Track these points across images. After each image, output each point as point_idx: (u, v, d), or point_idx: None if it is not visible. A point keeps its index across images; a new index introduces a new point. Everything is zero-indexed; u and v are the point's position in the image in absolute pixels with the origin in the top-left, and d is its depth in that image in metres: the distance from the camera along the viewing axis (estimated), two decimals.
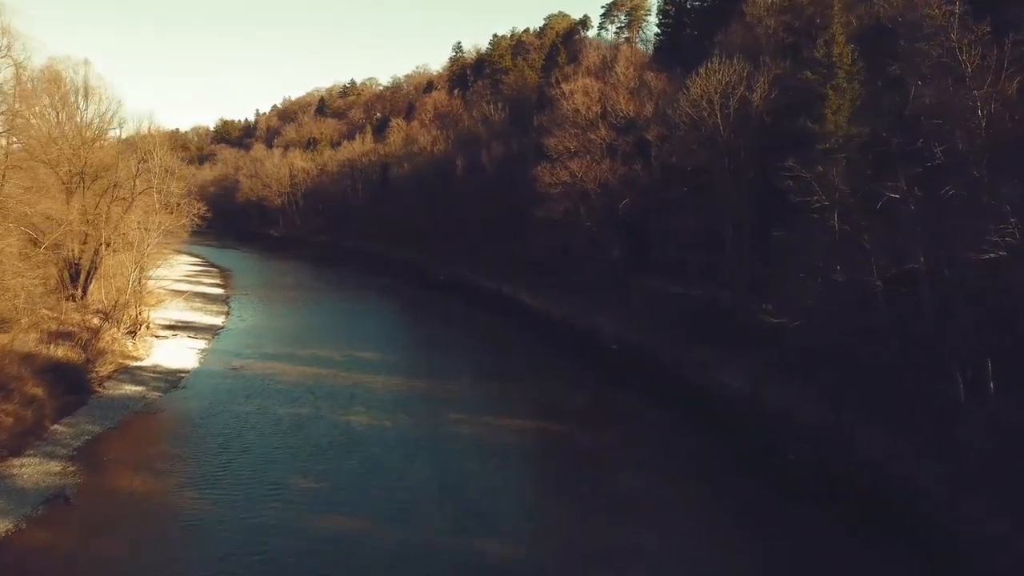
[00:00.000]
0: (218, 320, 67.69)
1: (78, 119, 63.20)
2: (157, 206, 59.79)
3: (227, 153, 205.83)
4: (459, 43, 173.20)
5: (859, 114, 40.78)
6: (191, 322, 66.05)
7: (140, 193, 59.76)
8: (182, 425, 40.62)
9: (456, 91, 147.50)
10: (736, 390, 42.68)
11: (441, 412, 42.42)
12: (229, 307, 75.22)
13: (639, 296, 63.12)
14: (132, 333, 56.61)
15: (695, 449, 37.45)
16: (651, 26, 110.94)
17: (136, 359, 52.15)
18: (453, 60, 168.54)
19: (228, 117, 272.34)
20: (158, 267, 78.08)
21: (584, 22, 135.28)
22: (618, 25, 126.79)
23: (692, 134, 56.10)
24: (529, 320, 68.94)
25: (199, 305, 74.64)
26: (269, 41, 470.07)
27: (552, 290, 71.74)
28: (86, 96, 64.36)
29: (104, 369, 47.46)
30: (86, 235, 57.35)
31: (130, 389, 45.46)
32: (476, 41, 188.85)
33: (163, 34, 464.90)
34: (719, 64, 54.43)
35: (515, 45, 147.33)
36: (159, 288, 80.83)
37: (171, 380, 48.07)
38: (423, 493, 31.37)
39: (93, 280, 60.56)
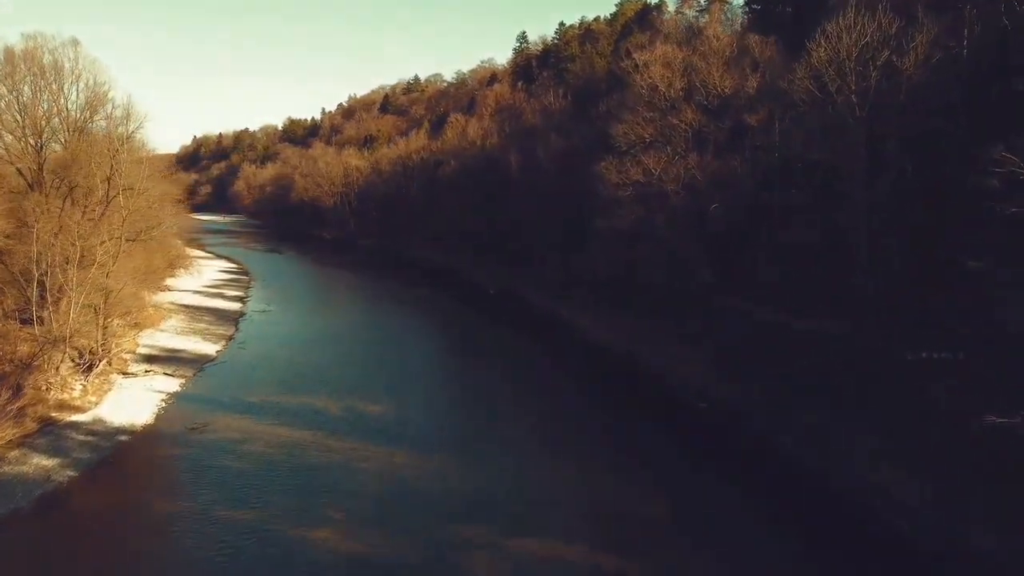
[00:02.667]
0: (213, 348, 54.67)
1: (44, 106, 50.89)
2: (120, 227, 46.61)
3: (289, 152, 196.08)
4: (523, 33, 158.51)
5: None
6: (179, 351, 53.23)
7: (109, 202, 46.76)
8: (68, 542, 27.08)
9: (520, 84, 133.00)
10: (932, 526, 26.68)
11: (452, 530, 27.78)
12: (237, 328, 62.37)
13: (731, 327, 47.20)
14: (89, 369, 43.93)
15: None
16: (735, 9, 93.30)
17: (76, 409, 39.36)
18: (517, 52, 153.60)
19: (296, 116, 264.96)
20: (160, 288, 66.85)
21: (660, 6, 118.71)
22: (698, 8, 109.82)
23: (814, 115, 40.18)
24: (589, 354, 53.78)
25: (203, 326, 62.03)
26: (338, 37, 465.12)
27: (618, 314, 56.39)
28: (58, 78, 52.20)
29: (14, 429, 34.54)
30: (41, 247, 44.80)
31: (35, 464, 32.46)
32: (544, 31, 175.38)
33: (237, 35, 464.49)
34: (855, 17, 38.35)
35: (583, 33, 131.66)
36: (167, 303, 69.36)
37: (102, 447, 34.94)
38: None
39: (64, 302, 48.03)
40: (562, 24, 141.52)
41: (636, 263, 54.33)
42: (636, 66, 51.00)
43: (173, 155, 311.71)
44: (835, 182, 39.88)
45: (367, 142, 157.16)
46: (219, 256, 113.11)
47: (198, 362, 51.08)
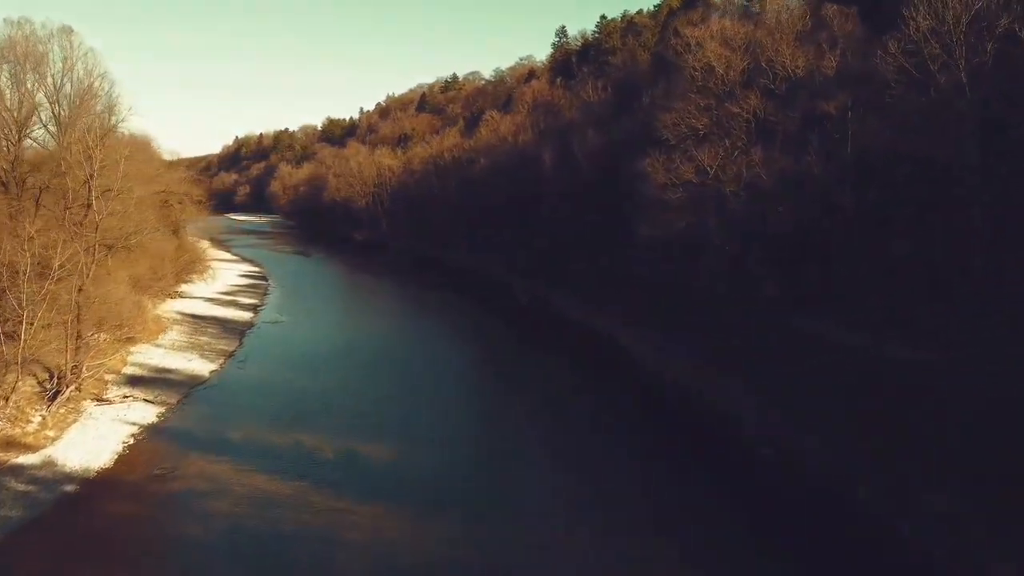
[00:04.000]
0: (209, 367, 48.44)
1: (20, 98, 45.18)
2: (95, 234, 40.43)
3: (325, 152, 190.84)
4: (562, 27, 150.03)
5: None
6: (170, 371, 47.14)
7: (79, 205, 40.67)
8: None
9: (558, 80, 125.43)
10: None
11: None
12: (241, 343, 56.18)
13: (801, 352, 39.26)
14: (55, 397, 37.89)
15: None
16: None
17: (26, 448, 33.21)
18: (556, 47, 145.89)
19: (336, 116, 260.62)
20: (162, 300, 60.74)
21: None
22: None
23: (909, 99, 32.22)
24: (631, 379, 46.26)
25: (205, 339, 55.99)
26: (376, 38, 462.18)
27: (664, 332, 48.73)
28: (39, 68, 46.54)
29: None
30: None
31: None
32: (584, 26, 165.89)
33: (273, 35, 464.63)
34: None
35: (626, 27, 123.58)
36: (172, 313, 63.59)
37: (38, 502, 28.72)
38: None
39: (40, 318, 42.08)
40: (603, 18, 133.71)
41: (687, 274, 46.73)
42: (688, 45, 43.14)
43: (214, 155, 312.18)
44: (936, 179, 31.89)
45: (401, 141, 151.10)
46: (243, 259, 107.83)
47: (188, 385, 44.82)
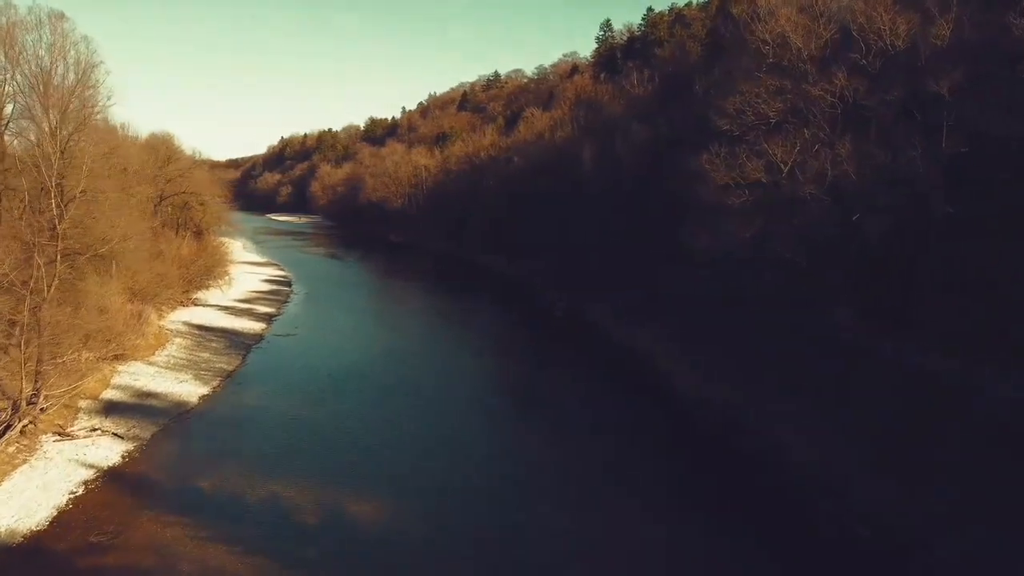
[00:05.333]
0: (198, 393, 42.23)
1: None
2: (55, 244, 34.31)
3: (364, 152, 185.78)
4: (607, 21, 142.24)
5: None
6: (154, 395, 41.16)
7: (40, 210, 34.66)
8: None
9: (602, 76, 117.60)
10: None
11: None
12: (244, 360, 50.06)
13: (892, 390, 31.30)
14: (3, 433, 31.96)
15: None
16: None
17: None
18: (600, 41, 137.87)
19: (378, 116, 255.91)
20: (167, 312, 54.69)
21: None
22: None
23: None
24: (676, 414, 38.74)
25: (205, 355, 50.04)
26: (421, 37, 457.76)
27: (716, 357, 41.05)
28: (12, 55, 40.81)
29: None
30: None
31: None
32: (631, 20, 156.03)
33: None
34: None
35: (674, 19, 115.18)
36: (179, 324, 57.88)
37: None
38: None
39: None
40: (650, 10, 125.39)
41: (744, 290, 38.98)
42: (756, 14, 35.27)
43: (260, 156, 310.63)
44: None
45: (439, 140, 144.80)
46: (271, 262, 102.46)
47: (170, 413, 38.65)
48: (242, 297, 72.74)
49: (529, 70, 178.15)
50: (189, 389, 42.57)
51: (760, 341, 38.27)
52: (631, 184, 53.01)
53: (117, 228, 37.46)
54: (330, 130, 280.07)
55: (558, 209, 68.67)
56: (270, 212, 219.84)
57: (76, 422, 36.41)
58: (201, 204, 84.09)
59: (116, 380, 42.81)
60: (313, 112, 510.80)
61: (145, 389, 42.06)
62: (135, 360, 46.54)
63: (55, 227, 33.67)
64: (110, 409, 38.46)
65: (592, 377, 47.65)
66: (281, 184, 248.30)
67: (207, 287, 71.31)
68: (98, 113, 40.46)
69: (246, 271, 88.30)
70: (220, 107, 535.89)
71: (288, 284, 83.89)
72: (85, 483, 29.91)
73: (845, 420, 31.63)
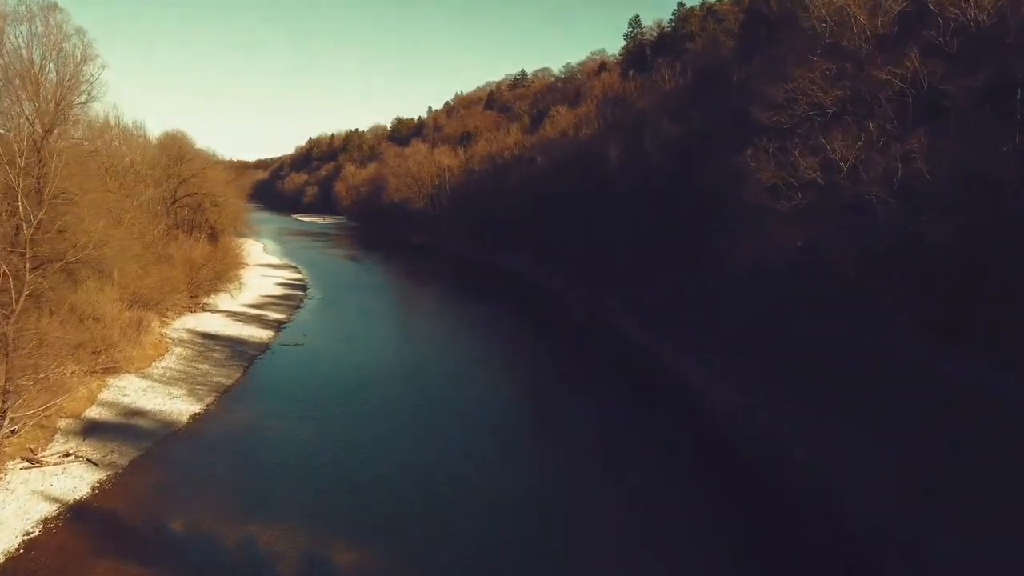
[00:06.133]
0: (189, 411, 38.73)
1: None
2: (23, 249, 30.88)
3: (389, 151, 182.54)
4: (636, 17, 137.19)
5: None
6: (141, 413, 37.79)
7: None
8: None
9: (631, 73, 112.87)
10: None
11: None
12: (246, 372, 46.63)
13: (957, 416, 26.58)
14: None
15: None
16: None
17: None
18: (629, 38, 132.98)
19: (405, 116, 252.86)
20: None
21: None
22: None
23: None
24: (711, 440, 34.19)
25: (204, 367, 46.68)
26: (448, 37, 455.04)
27: (745, 367, 36.58)
28: None
29: None
30: None
31: None
32: (660, 15, 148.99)
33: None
34: None
35: (705, 14, 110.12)
36: (183, 331, 54.57)
37: None
38: None
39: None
40: (680, 5, 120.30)
41: (789, 303, 34.45)
42: None
43: (288, 156, 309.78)
44: None
45: (463, 139, 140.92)
46: (288, 264, 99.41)
47: (155, 435, 35.16)
48: (253, 302, 69.46)
49: (556, 69, 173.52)
50: (180, 407, 39.02)
51: (804, 356, 33.73)
52: (661, 180, 48.59)
53: (93, 234, 33.74)
54: (357, 130, 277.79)
55: (583, 207, 64.42)
56: (296, 212, 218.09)
57: (50, 445, 33.06)
58: (215, 205, 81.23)
59: (103, 396, 39.51)
60: (342, 112, 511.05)
61: (133, 406, 38.65)
62: (128, 372, 43.28)
63: (19, 232, 30.21)
64: (90, 430, 35.06)
65: (608, 392, 43.01)
66: (307, 184, 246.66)
67: (218, 291, 68.20)
68: (84, 105, 37.03)
69: (262, 274, 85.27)
70: (251, 108, 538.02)
71: (303, 288, 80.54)
72: (44, 521, 26.41)
73: (908, 454, 27.08)
